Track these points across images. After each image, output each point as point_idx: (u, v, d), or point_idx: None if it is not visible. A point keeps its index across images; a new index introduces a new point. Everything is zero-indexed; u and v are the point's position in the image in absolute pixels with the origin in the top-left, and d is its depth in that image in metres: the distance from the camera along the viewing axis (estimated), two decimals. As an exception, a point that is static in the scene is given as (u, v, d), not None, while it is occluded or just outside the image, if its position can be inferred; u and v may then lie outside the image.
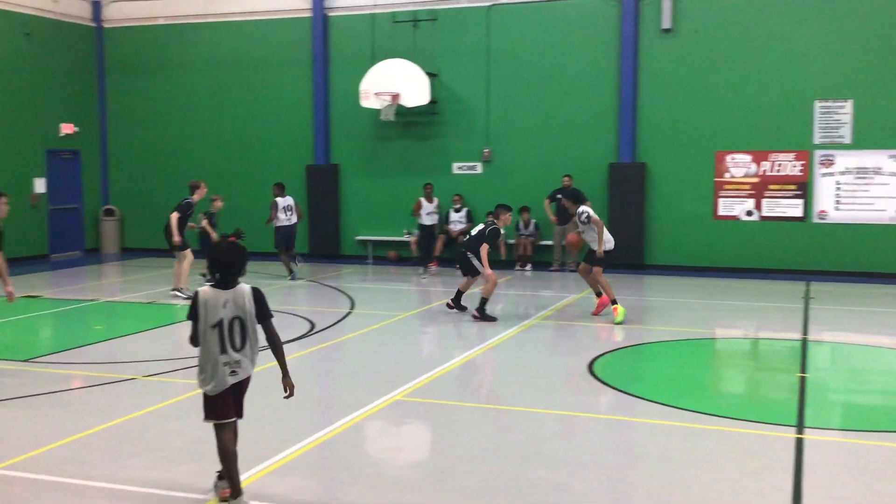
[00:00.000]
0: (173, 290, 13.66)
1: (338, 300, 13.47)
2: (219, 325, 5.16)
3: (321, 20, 18.81)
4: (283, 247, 15.94)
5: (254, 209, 18.43)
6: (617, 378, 8.68)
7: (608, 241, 11.74)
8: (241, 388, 5.33)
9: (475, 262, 11.89)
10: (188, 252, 13.53)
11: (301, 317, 11.90)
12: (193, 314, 5.20)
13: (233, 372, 5.20)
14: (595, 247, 11.68)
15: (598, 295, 11.94)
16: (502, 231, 12.15)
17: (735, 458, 6.30)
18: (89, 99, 20.57)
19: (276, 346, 5.38)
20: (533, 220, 17.49)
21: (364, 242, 18.99)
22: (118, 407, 7.55)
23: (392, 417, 7.41)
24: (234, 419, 5.34)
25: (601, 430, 7.14)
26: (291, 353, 9.69)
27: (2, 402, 7.66)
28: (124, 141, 20.78)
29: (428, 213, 17.61)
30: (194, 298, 5.23)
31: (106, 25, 20.68)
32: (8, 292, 8.43)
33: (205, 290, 5.23)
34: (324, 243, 19.10)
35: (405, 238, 18.25)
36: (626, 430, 7.20)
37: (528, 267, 17.34)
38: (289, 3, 19.14)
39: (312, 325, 11.29)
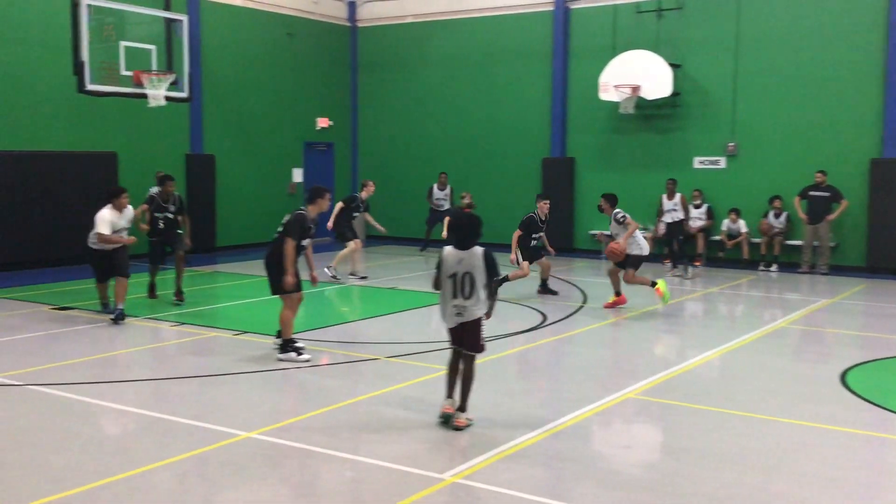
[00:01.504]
0: (350, 273, 14.91)
1: (570, 293, 13.43)
2: (453, 276, 6.53)
3: (563, 13, 18.80)
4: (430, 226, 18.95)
5: (488, 200, 18.89)
6: (874, 391, 7.97)
7: (643, 248, 11.89)
8: (470, 327, 6.57)
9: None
10: (351, 242, 14.80)
11: (533, 308, 12.00)
12: (438, 265, 6.66)
13: (458, 314, 6.56)
14: (632, 250, 11.78)
15: (617, 294, 12.10)
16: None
17: None
18: (343, 95, 21.93)
19: (491, 298, 6.69)
20: (785, 212, 16.42)
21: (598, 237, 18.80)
22: (362, 385, 8.01)
23: (624, 414, 7.29)
24: (460, 349, 6.68)
25: (854, 445, 6.58)
26: (523, 344, 9.81)
27: (259, 373, 8.39)
28: (372, 134, 21.96)
29: (668, 210, 16.89)
30: (440, 255, 6.67)
31: (359, 25, 21.94)
32: (312, 277, 9.28)
33: (448, 249, 6.63)
34: (557, 236, 19.05)
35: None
36: (883, 448, 6.59)
37: (774, 268, 16.35)
38: (531, -2, 19.35)
39: (544, 318, 11.35)
